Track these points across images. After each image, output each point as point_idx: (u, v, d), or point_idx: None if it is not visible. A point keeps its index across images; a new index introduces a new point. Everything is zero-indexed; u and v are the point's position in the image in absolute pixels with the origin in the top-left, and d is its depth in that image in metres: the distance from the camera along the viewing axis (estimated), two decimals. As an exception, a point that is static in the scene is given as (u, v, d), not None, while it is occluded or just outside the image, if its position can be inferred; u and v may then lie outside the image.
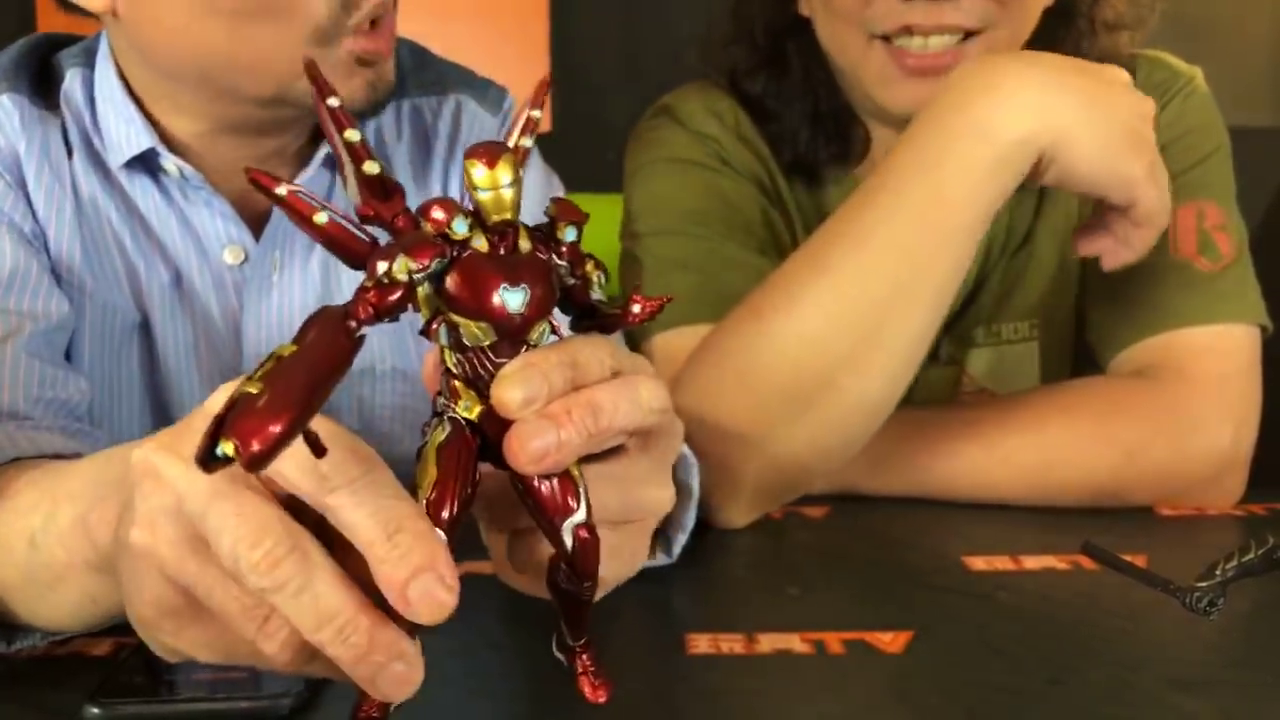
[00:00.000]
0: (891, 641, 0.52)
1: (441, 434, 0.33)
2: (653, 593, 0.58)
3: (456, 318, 0.32)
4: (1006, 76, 0.65)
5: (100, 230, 0.71)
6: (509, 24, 2.02)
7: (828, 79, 0.86)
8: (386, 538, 0.30)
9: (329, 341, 0.28)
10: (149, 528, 0.32)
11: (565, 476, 0.34)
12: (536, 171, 0.82)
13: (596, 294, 0.35)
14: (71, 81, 0.71)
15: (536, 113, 0.35)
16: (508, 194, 0.31)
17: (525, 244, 0.32)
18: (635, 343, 0.84)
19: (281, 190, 0.31)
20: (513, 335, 0.32)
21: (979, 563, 0.65)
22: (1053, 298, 0.90)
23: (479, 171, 0.31)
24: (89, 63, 0.72)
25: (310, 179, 0.73)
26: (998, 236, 0.90)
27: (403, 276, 0.30)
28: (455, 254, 0.31)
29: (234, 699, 0.44)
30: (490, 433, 0.33)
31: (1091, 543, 0.65)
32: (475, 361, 0.33)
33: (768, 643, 0.52)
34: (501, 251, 0.32)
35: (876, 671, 0.49)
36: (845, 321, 0.66)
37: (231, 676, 0.45)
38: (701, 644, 0.52)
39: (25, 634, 0.49)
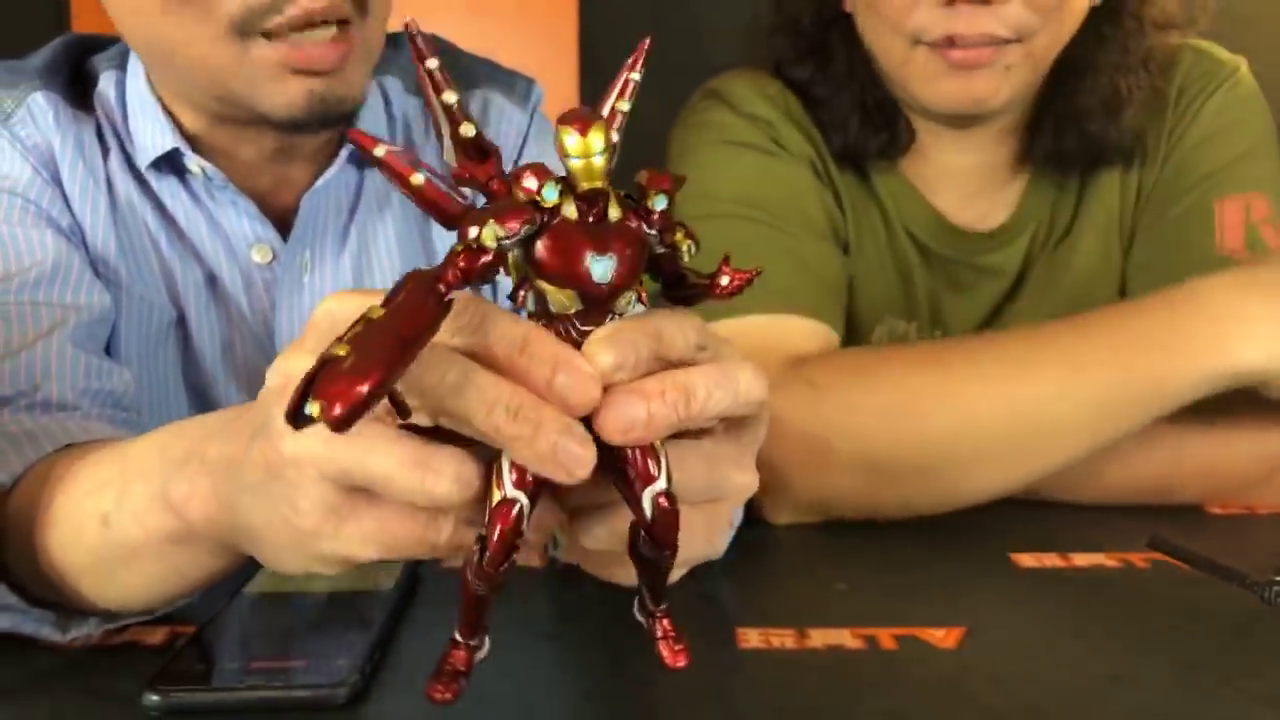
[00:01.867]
0: (944, 638, 0.52)
1: None
2: (701, 587, 0.58)
3: (544, 284, 0.32)
4: (1260, 306, 0.65)
5: (136, 229, 0.71)
6: (538, 20, 2.02)
7: (872, 72, 0.85)
8: (520, 352, 0.32)
9: (416, 304, 0.28)
10: (298, 435, 0.33)
11: (648, 445, 0.33)
12: None
13: (685, 262, 0.34)
14: (105, 84, 0.72)
15: (636, 75, 0.34)
16: (599, 161, 0.31)
17: (615, 212, 0.32)
18: None
19: (380, 150, 0.31)
20: (599, 303, 0.32)
21: (1028, 559, 0.64)
22: (1094, 293, 0.89)
23: (571, 139, 0.30)
24: (122, 65, 0.73)
25: (333, 179, 0.72)
26: (1040, 230, 0.89)
27: (491, 243, 0.30)
28: (545, 220, 0.31)
29: (291, 687, 0.44)
30: None
31: (1159, 536, 0.64)
32: (561, 329, 0.33)
33: (819, 638, 0.52)
34: (591, 219, 0.32)
35: (931, 667, 0.49)
36: (999, 430, 0.66)
37: (289, 665, 0.45)
38: (752, 638, 0.52)
39: (80, 622, 0.49)
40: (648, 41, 0.35)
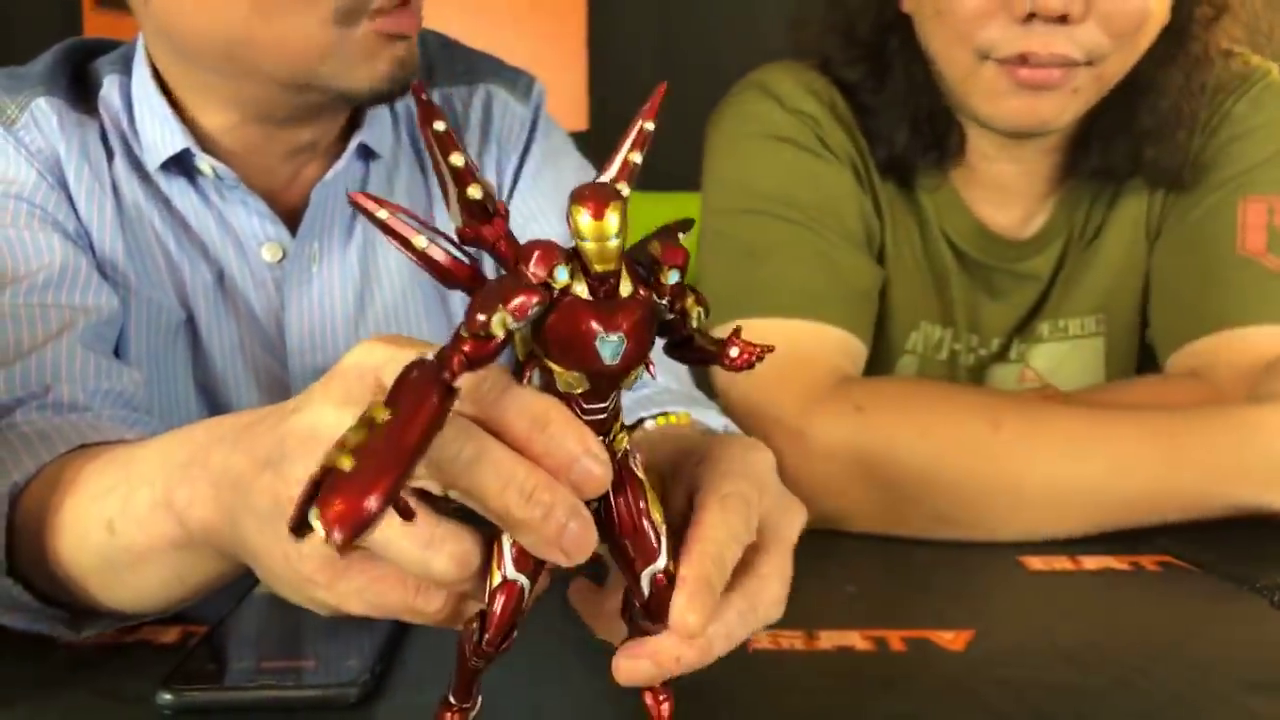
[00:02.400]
0: (953, 640, 0.52)
1: None
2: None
3: (550, 364, 0.31)
4: None
5: (143, 232, 0.71)
6: (548, 23, 2.03)
7: (928, 78, 0.83)
8: (541, 430, 0.31)
9: (420, 403, 0.28)
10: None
11: (650, 523, 0.34)
12: (577, 169, 0.82)
13: (694, 325, 0.34)
14: (109, 88, 0.72)
15: (650, 125, 0.33)
16: (613, 244, 0.29)
17: (626, 287, 0.31)
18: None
19: (382, 214, 0.30)
20: (608, 383, 0.32)
21: (1037, 563, 0.64)
22: (1119, 292, 0.89)
23: (584, 219, 0.29)
24: (126, 69, 0.73)
25: (342, 170, 0.73)
26: (1074, 233, 0.89)
27: (500, 332, 0.29)
28: (555, 298, 0.30)
29: (303, 687, 0.44)
30: None
31: (1170, 540, 0.65)
32: (567, 405, 0.32)
33: (828, 640, 0.52)
34: (602, 294, 0.30)
35: (940, 670, 0.49)
36: (1033, 501, 0.67)
37: (300, 664, 0.46)
38: (762, 639, 0.52)
39: (93, 621, 0.50)
40: (662, 89, 0.34)
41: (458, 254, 0.31)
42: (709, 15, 2.01)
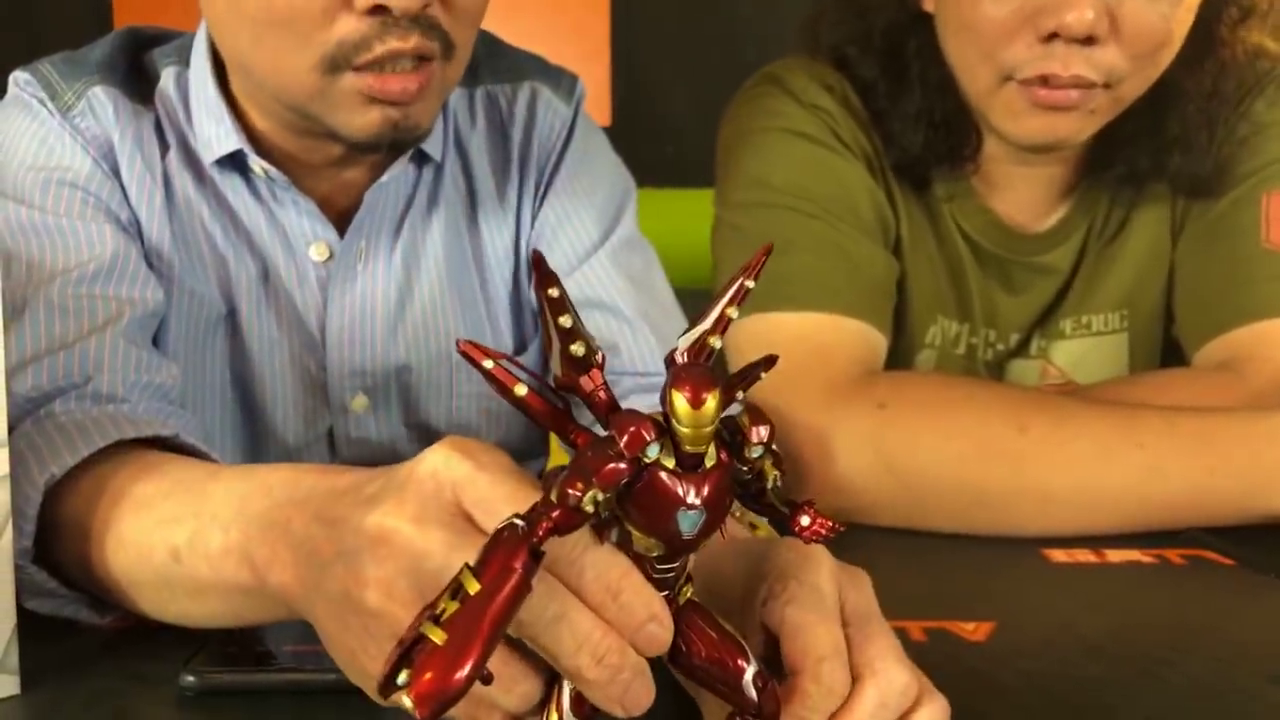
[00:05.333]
0: (974, 631, 0.52)
1: None
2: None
3: (630, 527, 0.33)
4: None
5: (191, 225, 0.72)
6: (571, 20, 2.03)
7: (944, 80, 0.82)
8: (614, 599, 0.33)
9: (506, 578, 0.29)
10: (385, 591, 0.34)
11: (728, 640, 0.35)
12: (611, 170, 0.82)
13: (769, 486, 0.35)
14: (167, 80, 0.73)
15: (751, 284, 0.34)
16: (708, 430, 0.30)
17: (710, 458, 0.32)
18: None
19: (488, 364, 0.32)
20: (680, 550, 0.33)
21: (1059, 555, 0.63)
22: (1143, 288, 0.88)
23: (682, 405, 0.30)
24: (184, 61, 0.73)
25: (398, 174, 0.73)
26: (1094, 226, 0.88)
27: (590, 509, 0.30)
28: (641, 467, 0.31)
29: (323, 671, 0.44)
30: None
31: (1197, 531, 0.64)
32: (639, 564, 0.33)
33: (848, 630, 0.51)
34: (688, 463, 0.31)
35: (961, 661, 0.49)
36: (1058, 501, 0.66)
37: (321, 649, 0.46)
38: (781, 629, 0.51)
39: (118, 607, 0.50)
40: (768, 248, 0.35)
41: (552, 398, 0.33)
42: (731, 12, 2.01)
